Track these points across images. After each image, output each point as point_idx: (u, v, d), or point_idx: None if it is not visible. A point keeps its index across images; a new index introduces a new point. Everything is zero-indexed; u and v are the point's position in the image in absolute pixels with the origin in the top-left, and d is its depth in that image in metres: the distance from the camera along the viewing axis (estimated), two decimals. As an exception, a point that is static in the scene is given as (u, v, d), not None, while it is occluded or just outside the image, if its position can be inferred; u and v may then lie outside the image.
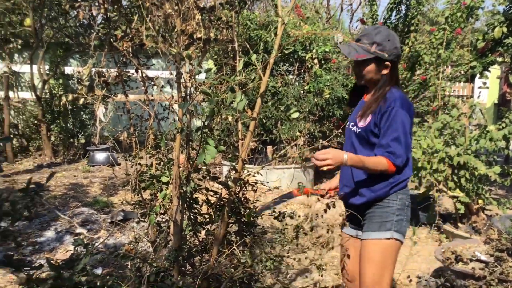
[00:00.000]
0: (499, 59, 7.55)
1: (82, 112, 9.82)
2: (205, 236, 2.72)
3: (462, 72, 7.21)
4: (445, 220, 5.22)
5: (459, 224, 4.99)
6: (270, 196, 6.23)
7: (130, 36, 2.51)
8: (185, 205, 2.55)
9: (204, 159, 2.03)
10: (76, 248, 2.28)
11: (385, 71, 2.27)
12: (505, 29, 6.74)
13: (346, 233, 2.50)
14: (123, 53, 2.47)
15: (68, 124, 9.63)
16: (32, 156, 9.27)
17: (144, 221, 2.73)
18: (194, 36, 2.61)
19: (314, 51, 7.35)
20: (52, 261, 1.60)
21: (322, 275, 2.28)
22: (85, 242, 2.26)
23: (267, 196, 6.25)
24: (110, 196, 6.07)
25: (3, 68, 9.74)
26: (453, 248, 3.16)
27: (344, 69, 7.78)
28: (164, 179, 2.62)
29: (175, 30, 2.37)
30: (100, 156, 8.57)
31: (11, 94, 9.83)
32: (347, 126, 2.44)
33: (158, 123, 2.77)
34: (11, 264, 1.47)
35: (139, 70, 2.49)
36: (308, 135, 7.62)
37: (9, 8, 8.85)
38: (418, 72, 7.83)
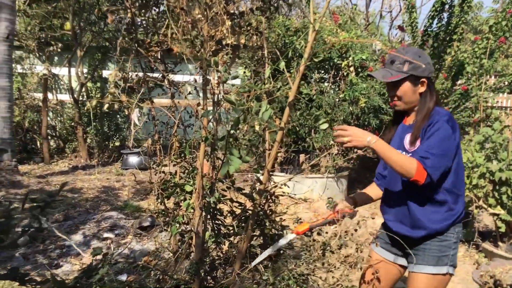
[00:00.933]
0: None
1: (118, 116, 9.94)
2: (228, 248, 2.63)
3: (506, 82, 6.90)
4: (484, 238, 4.95)
5: (500, 243, 4.71)
6: (300, 206, 6.11)
7: (158, 41, 2.45)
8: (209, 215, 2.47)
9: (228, 170, 1.94)
10: (95, 256, 2.23)
11: (422, 89, 2.17)
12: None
13: (378, 254, 2.36)
14: (150, 58, 2.42)
15: (104, 127, 9.77)
16: (68, 157, 9.44)
17: (167, 230, 2.65)
18: (223, 42, 2.54)
19: (350, 58, 7.18)
20: (56, 277, 1.52)
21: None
22: (103, 251, 2.21)
23: (296, 207, 6.13)
24: (140, 201, 6.07)
25: (42, 71, 10.00)
26: (492, 271, 2.95)
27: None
28: (188, 188, 2.55)
29: (202, 35, 2.30)
30: (133, 159, 8.63)
31: (50, 96, 10.07)
32: None
33: (184, 130, 2.70)
34: (15, 278, 1.41)
35: (166, 76, 2.43)
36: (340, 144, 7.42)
37: (50, 11, 9.08)
38: (459, 82, 7.54)
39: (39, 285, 1.45)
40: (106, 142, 9.79)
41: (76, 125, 9.21)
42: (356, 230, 2.15)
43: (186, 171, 2.62)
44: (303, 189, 6.42)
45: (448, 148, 2.01)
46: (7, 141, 6.93)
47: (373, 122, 7.22)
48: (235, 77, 2.33)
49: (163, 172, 2.58)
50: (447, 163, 2.02)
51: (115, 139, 10.00)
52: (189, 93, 2.55)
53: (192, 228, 2.40)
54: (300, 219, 2.33)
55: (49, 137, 9.53)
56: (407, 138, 2.17)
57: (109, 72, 10.34)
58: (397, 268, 2.33)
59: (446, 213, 2.11)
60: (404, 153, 2.15)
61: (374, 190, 2.47)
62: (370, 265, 2.31)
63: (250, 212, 2.56)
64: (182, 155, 2.60)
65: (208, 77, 2.32)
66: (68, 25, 8.80)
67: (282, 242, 2.18)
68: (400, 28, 7.94)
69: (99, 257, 2.20)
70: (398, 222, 2.22)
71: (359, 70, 7.37)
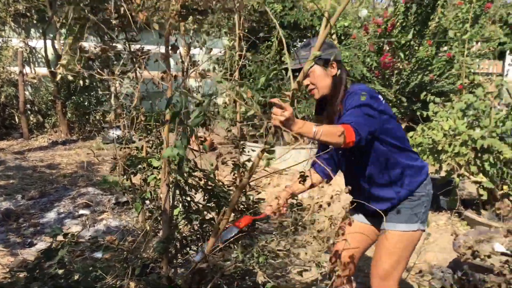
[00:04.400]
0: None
1: (98, 89, 9.69)
2: (200, 225, 2.54)
3: (491, 48, 6.79)
4: (466, 206, 4.93)
5: (482, 211, 4.70)
6: (283, 178, 6.03)
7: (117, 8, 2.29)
8: (178, 191, 2.37)
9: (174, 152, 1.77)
10: (54, 237, 2.13)
11: (333, 71, 2.18)
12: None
13: (354, 218, 2.38)
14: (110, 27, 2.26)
15: (84, 101, 9.53)
16: (47, 133, 9.22)
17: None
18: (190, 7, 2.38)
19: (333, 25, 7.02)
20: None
21: (321, 273, 2.07)
22: (64, 232, 2.10)
23: (279, 178, 6.06)
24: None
25: (18, 43, 9.67)
26: (472, 240, 2.91)
27: (366, 46, 7.40)
28: (155, 163, 2.43)
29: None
30: (115, 133, 8.45)
31: (28, 69, 9.78)
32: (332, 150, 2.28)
33: (151, 103, 2.57)
34: None
35: (127, 45, 2.28)
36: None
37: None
38: (444, 49, 7.43)
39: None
40: (87, 116, 9.57)
41: (54, 99, 8.96)
42: (329, 204, 2.05)
43: (153, 145, 2.50)
44: (286, 160, 6.34)
45: (368, 111, 2.00)
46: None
47: (356, 91, 7.11)
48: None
49: (128, 147, 2.46)
50: (371, 123, 2.00)
51: (95, 113, 9.78)
52: (156, 60, 2.41)
53: (160, 205, 2.30)
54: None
55: (28, 112, 9.29)
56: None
57: (88, 44, 10.03)
58: (372, 229, 2.39)
59: (409, 177, 2.19)
60: None
61: (313, 177, 2.37)
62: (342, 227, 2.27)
63: (221, 188, 2.47)
64: (148, 128, 2.47)
65: (174, 45, 2.18)
66: (42, -5, 8.47)
67: (227, 235, 2.11)
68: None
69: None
70: (365, 202, 2.15)
71: (342, 38, 7.22)
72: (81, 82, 2.57)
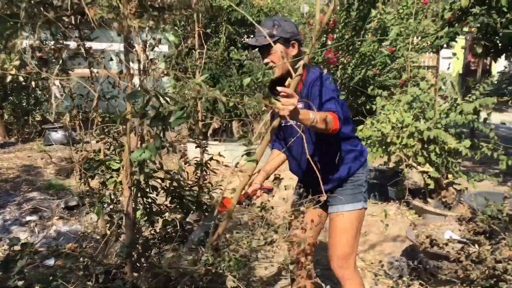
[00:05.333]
0: (466, 29, 7.43)
1: (37, 88, 9.24)
2: (162, 226, 2.48)
3: (429, 42, 7.06)
4: (414, 195, 5.13)
5: (429, 199, 4.90)
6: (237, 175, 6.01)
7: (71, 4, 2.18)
8: (139, 194, 2.30)
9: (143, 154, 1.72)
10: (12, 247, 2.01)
11: (293, 51, 2.26)
12: (472, -2, 6.59)
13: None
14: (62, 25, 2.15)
15: (22, 102, 9.06)
16: (-17, 135, 8.71)
17: (93, 212, 2.45)
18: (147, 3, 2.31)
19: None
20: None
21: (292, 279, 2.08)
22: (26, 236, 1.99)
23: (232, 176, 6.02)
24: (65, 179, 5.72)
25: None
26: (426, 229, 3.02)
27: (311, 41, 7.50)
28: (114, 165, 2.35)
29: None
30: (56, 135, 8.10)
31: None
32: (282, 124, 2.38)
33: (107, 103, 2.47)
34: None
35: (81, 44, 2.18)
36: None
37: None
38: (385, 43, 7.64)
39: None
40: (26, 117, 9.10)
41: (-11, 100, 8.47)
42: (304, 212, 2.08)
43: (111, 147, 2.41)
44: (236, 157, 6.32)
45: (336, 96, 2.15)
46: None
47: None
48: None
49: (86, 150, 2.36)
50: (343, 110, 2.21)
51: (35, 113, 9.32)
52: (111, 59, 2.32)
53: (122, 208, 2.22)
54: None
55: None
56: (300, 105, 2.08)
57: (26, 42, 9.52)
58: (320, 211, 2.51)
59: (354, 159, 2.38)
60: (293, 122, 2.21)
61: (279, 156, 2.57)
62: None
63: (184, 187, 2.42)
64: (106, 130, 2.38)
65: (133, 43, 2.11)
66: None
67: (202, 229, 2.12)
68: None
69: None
70: (309, 181, 2.27)
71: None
72: (32, 83, 2.42)
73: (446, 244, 2.71)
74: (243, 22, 6.53)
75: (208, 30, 6.07)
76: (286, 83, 1.93)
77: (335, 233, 2.39)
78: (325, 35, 7.37)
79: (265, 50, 2.25)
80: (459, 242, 2.79)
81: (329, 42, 7.46)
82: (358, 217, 2.39)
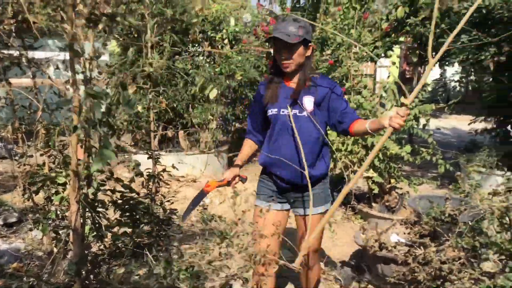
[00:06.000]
0: (402, 39, 7.76)
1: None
2: (112, 241, 2.40)
3: (367, 52, 7.30)
4: (359, 200, 5.27)
5: (373, 204, 5.05)
6: (189, 189, 5.94)
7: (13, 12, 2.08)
8: (87, 208, 2.21)
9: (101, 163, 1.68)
10: None
11: (308, 52, 2.45)
12: (407, 9, 6.89)
13: (262, 206, 2.59)
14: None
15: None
16: None
17: (37, 229, 2.33)
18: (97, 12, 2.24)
19: (224, 31, 7.08)
20: None
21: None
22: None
23: (178, 185, 5.95)
24: (3, 194, 5.42)
25: None
26: (374, 234, 3.11)
27: (255, 50, 7.57)
28: (60, 180, 2.25)
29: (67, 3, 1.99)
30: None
31: None
32: (276, 113, 2.49)
33: (50, 114, 2.37)
34: None
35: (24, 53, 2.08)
36: (221, 118, 7.38)
37: None
38: (327, 52, 7.84)
39: None
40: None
41: None
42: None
43: (57, 161, 2.31)
44: (184, 167, 6.25)
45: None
46: None
47: (250, 95, 7.24)
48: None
49: (29, 164, 2.24)
50: None
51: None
52: (57, 68, 2.23)
53: (69, 224, 2.13)
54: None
55: None
56: (305, 100, 2.45)
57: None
58: (283, 214, 2.64)
59: (327, 160, 2.57)
60: (298, 112, 2.44)
61: (251, 147, 2.72)
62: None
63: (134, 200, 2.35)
64: (51, 143, 2.28)
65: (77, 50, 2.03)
66: None
67: (197, 200, 2.36)
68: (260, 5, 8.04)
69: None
70: (292, 172, 2.47)
71: (233, 43, 7.31)
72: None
73: (394, 247, 2.80)
74: (187, 31, 6.50)
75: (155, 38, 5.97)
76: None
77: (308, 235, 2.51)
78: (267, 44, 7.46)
79: (288, 46, 2.36)
80: (406, 245, 2.89)
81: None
82: (326, 216, 2.50)
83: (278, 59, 2.44)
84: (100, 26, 1.95)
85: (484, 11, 4.92)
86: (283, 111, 2.47)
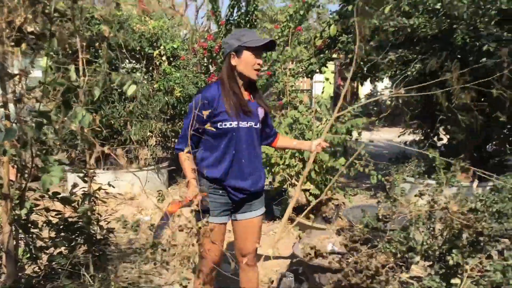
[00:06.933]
0: (335, 55, 8.07)
1: None
2: (48, 263, 2.35)
3: (303, 68, 7.54)
4: (298, 212, 5.40)
5: (311, 216, 5.19)
6: (128, 207, 5.84)
7: None
8: (20, 230, 2.16)
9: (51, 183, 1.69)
10: None
11: None
12: (339, 27, 7.19)
13: (216, 222, 2.55)
14: None
15: None
16: None
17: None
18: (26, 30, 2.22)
19: (161, 47, 7.08)
20: None
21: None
22: None
23: (116, 203, 5.85)
24: None
25: None
26: (310, 243, 3.22)
27: (193, 66, 7.62)
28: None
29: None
30: None
31: None
32: (236, 126, 2.49)
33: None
34: None
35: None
36: (160, 135, 7.34)
37: None
38: (264, 68, 8.02)
39: None
40: None
41: None
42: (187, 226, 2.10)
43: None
44: (123, 184, 6.16)
45: None
46: None
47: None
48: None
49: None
50: None
51: None
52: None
53: (1, 247, 2.07)
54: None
55: None
56: (259, 112, 2.59)
57: None
58: (225, 226, 2.68)
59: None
60: (254, 124, 2.54)
61: (191, 159, 2.57)
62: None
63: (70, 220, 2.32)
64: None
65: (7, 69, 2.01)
66: None
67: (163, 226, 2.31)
68: (207, 17, 8.11)
69: None
70: (250, 183, 2.57)
71: (171, 59, 7.33)
72: None
73: (330, 254, 2.92)
74: (124, 47, 6.45)
75: (88, 56, 5.87)
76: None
77: (253, 234, 2.73)
78: (210, 60, 7.54)
79: (262, 53, 2.52)
80: (338, 253, 3.02)
81: (211, 68, 7.65)
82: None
83: (252, 67, 2.46)
84: (24, 46, 1.94)
85: (409, 29, 5.23)
86: (241, 124, 2.49)
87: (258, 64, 2.47)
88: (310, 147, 2.76)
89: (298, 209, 5.66)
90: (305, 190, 5.06)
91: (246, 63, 2.44)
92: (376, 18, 5.28)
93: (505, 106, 4.97)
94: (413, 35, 5.38)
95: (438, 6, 4.87)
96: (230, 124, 2.46)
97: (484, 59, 4.77)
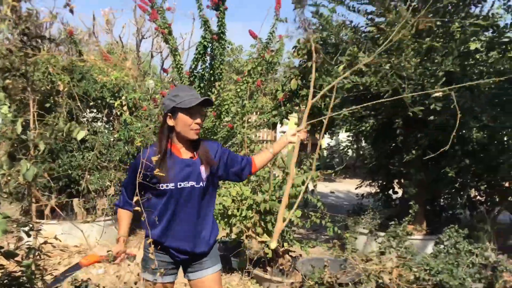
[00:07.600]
0: (296, 108, 8.31)
1: None
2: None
3: (266, 120, 7.74)
4: (255, 264, 5.38)
5: (268, 268, 5.18)
6: (75, 255, 5.69)
7: None
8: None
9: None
10: None
11: None
12: (300, 82, 7.45)
13: (160, 282, 2.49)
14: None
15: None
16: None
17: None
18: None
19: (123, 97, 7.14)
20: None
21: None
22: None
23: (70, 256, 5.70)
24: None
25: None
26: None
27: (155, 117, 7.69)
28: None
29: None
30: None
31: None
32: (174, 188, 2.44)
33: None
34: None
35: None
36: (120, 185, 7.27)
37: None
38: (226, 119, 8.17)
39: None
40: None
41: None
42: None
43: None
44: (78, 236, 6.01)
45: None
46: None
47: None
48: None
49: None
50: None
51: None
52: None
53: None
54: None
55: None
56: (202, 169, 2.49)
57: None
58: (172, 285, 2.62)
59: (216, 222, 2.68)
60: (198, 183, 2.48)
61: (130, 218, 2.62)
62: None
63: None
64: None
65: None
66: None
67: (70, 270, 2.32)
68: (164, 70, 8.27)
69: None
70: (192, 244, 2.50)
71: (133, 109, 7.38)
72: None
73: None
74: (85, 97, 6.49)
75: (47, 105, 5.88)
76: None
77: None
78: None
79: (201, 110, 2.46)
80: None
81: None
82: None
83: (189, 126, 2.41)
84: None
85: (361, 87, 5.49)
86: (180, 185, 2.44)
87: (196, 123, 2.42)
88: (285, 142, 2.68)
89: (256, 261, 5.64)
90: (262, 242, 5.07)
91: (183, 124, 2.41)
92: (332, 76, 5.52)
93: (454, 161, 5.21)
94: (366, 92, 5.64)
95: (387, 67, 5.14)
96: (167, 186, 2.42)
97: (431, 117, 5.04)
